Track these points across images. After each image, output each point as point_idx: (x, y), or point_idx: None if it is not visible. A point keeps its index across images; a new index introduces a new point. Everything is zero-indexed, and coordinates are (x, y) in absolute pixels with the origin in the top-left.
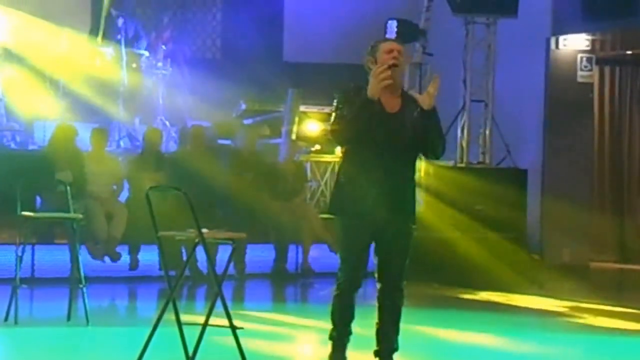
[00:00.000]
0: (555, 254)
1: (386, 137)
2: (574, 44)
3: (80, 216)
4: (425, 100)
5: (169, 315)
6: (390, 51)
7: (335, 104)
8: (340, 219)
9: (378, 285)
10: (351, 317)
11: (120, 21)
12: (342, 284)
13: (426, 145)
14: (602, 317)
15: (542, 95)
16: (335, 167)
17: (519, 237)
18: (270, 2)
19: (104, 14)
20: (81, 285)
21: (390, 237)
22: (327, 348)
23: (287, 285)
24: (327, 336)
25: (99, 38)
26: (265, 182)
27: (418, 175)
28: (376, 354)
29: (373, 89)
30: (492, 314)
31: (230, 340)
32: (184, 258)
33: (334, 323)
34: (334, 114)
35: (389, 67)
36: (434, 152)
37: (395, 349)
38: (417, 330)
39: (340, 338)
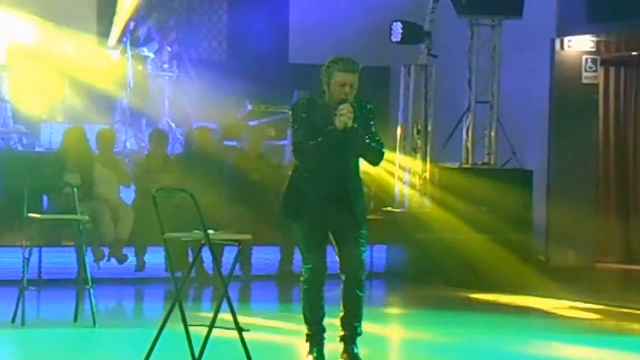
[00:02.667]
0: (561, 255)
1: (337, 151)
2: (578, 45)
3: (87, 218)
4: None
5: (176, 316)
6: (343, 85)
7: (291, 118)
8: (297, 224)
9: (342, 277)
10: (322, 313)
11: (131, 24)
12: (308, 279)
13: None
14: (607, 318)
15: (547, 97)
16: None
17: (525, 238)
18: (276, 4)
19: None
20: (88, 287)
21: (345, 236)
22: (305, 348)
23: (293, 286)
24: (331, 335)
25: (113, 41)
26: (271, 184)
27: (422, 177)
28: (341, 339)
29: (339, 123)
30: (497, 315)
31: (237, 341)
32: (190, 259)
33: (306, 321)
34: (293, 132)
35: (339, 102)
36: (367, 162)
37: (359, 334)
38: (422, 331)
39: (315, 337)
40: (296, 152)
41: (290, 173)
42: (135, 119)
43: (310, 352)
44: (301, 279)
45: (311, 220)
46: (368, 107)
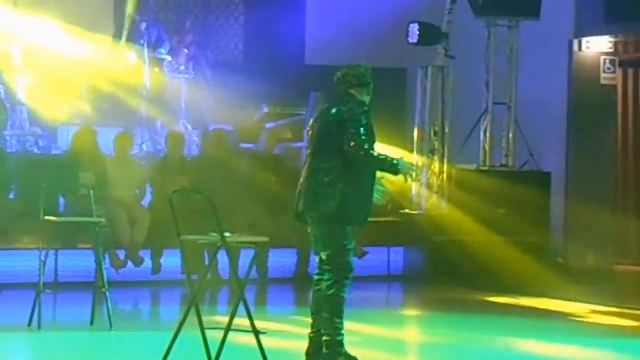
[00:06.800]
0: (579, 257)
1: None
2: (597, 46)
3: (103, 220)
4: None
5: (192, 319)
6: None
7: (360, 119)
8: (349, 227)
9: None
10: None
11: (143, 25)
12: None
13: None
14: (626, 320)
15: (566, 98)
16: None
17: (543, 240)
18: (293, 5)
19: (128, 19)
20: (104, 290)
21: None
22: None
23: (309, 289)
24: (347, 339)
25: (123, 42)
26: (288, 186)
27: (439, 179)
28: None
29: (404, 172)
30: (514, 318)
31: (253, 344)
32: (207, 262)
33: (339, 327)
34: (359, 134)
35: None
36: None
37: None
38: (439, 334)
39: (342, 336)
40: (364, 156)
41: (334, 178)
42: (151, 121)
43: (344, 355)
44: (343, 286)
45: (357, 224)
46: (333, 111)
